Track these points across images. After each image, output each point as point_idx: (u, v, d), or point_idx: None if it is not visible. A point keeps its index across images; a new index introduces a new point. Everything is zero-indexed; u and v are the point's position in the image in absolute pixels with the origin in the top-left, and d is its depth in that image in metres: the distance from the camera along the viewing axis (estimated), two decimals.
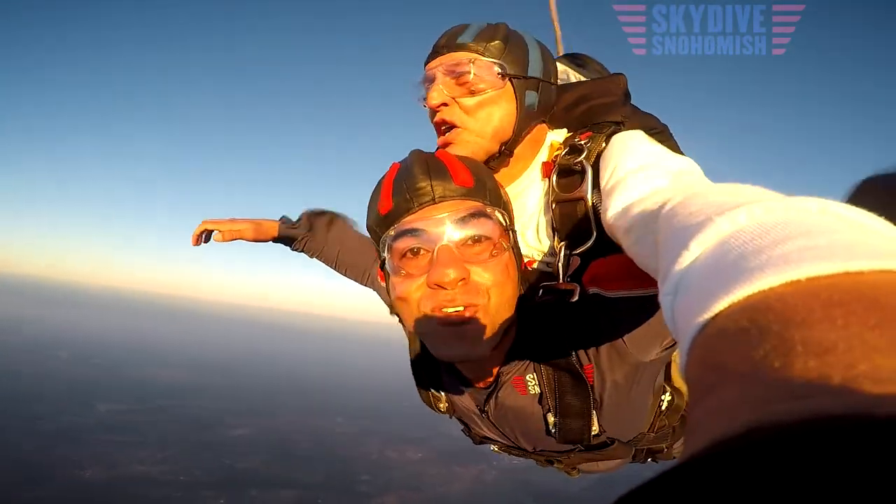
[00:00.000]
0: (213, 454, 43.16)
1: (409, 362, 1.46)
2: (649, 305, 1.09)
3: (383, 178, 1.20)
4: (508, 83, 1.26)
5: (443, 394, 1.48)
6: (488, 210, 1.11)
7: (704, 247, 0.48)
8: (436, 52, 1.30)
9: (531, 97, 1.28)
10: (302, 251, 1.98)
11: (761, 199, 0.50)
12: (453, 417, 1.57)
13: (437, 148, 1.31)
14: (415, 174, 1.11)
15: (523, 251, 1.33)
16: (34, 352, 76.52)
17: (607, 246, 1.14)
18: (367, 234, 1.28)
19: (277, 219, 1.93)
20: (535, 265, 1.36)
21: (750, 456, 0.19)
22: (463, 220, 1.08)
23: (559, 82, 1.44)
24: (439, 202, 1.09)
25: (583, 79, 1.56)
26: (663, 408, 1.49)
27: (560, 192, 1.25)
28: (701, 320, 0.38)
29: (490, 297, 1.09)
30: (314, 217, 1.97)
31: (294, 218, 1.99)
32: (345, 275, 1.97)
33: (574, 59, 1.69)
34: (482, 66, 1.24)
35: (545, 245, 1.34)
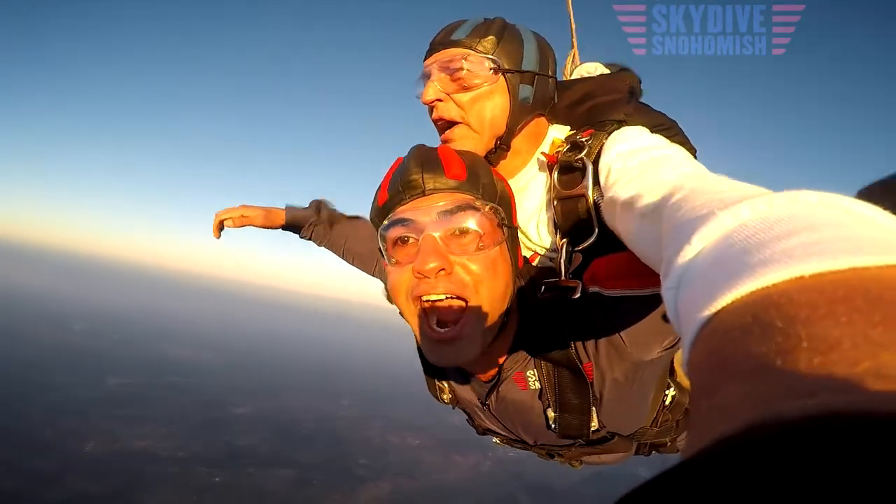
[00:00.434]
0: (214, 431, 43.79)
1: (415, 350, 1.43)
2: (649, 305, 1.10)
3: (386, 172, 1.25)
4: (501, 77, 1.27)
5: (447, 384, 1.51)
6: (477, 204, 1.13)
7: (707, 241, 0.48)
8: (432, 49, 1.32)
9: (525, 91, 1.30)
10: (309, 239, 2.03)
11: (765, 193, 0.49)
12: (456, 408, 1.60)
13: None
14: (409, 167, 1.16)
15: (527, 246, 1.38)
16: (49, 322, 78.19)
17: (609, 243, 1.16)
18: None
19: (283, 207, 1.99)
20: (537, 261, 1.39)
21: (752, 453, 0.19)
22: (450, 212, 1.11)
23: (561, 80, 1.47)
24: (429, 194, 1.13)
25: (589, 74, 1.57)
26: (667, 403, 1.50)
27: (561, 189, 1.26)
28: (704, 315, 0.37)
29: (476, 292, 1.11)
30: (322, 207, 2.02)
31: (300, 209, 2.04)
32: (352, 263, 2.01)
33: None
34: (475, 62, 1.26)
35: (547, 241, 1.36)
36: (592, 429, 1.29)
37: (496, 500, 40.56)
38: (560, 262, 1.25)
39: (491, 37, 1.27)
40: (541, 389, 1.29)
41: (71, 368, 53.28)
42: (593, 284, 1.18)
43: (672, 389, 1.51)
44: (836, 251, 0.33)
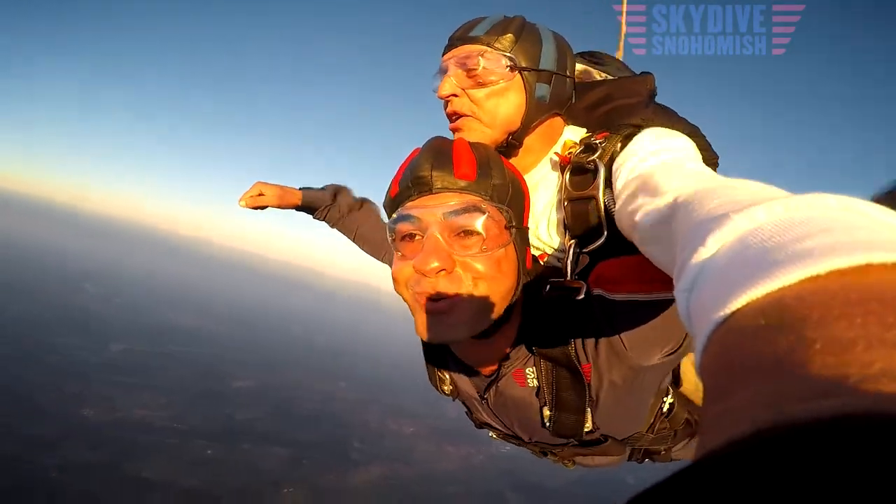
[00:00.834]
0: (213, 404, 44.17)
1: (416, 338, 1.37)
2: (653, 310, 1.11)
3: (402, 162, 1.24)
4: (518, 75, 1.27)
5: (448, 375, 1.51)
6: (484, 205, 1.13)
7: (722, 243, 0.47)
8: (450, 45, 1.32)
9: (542, 89, 1.30)
10: (323, 220, 2.03)
11: (781, 196, 0.49)
12: (456, 400, 1.61)
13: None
14: (420, 163, 1.16)
15: (535, 245, 1.38)
16: (60, 280, 78.97)
17: (618, 246, 1.16)
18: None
19: (299, 188, 1.99)
20: (545, 260, 1.39)
21: (764, 455, 0.19)
22: (455, 213, 1.11)
23: (581, 80, 1.48)
24: (437, 192, 1.14)
25: (608, 76, 1.55)
26: (664, 410, 1.51)
27: (572, 190, 1.26)
28: (717, 317, 0.37)
29: (476, 287, 1.12)
30: (338, 190, 2.03)
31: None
32: (362, 248, 2.02)
33: (592, 57, 1.66)
34: (491, 59, 1.26)
35: (555, 241, 1.36)
36: (586, 430, 1.29)
37: (486, 494, 40.78)
38: (566, 263, 1.26)
39: (509, 34, 1.27)
40: (538, 387, 1.29)
41: (77, 331, 53.85)
42: (598, 287, 1.18)
43: (670, 397, 1.53)
44: (853, 252, 0.33)
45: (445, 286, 1.11)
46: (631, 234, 1.03)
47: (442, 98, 1.33)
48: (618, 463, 1.64)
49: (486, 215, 1.12)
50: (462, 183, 1.14)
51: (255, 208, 1.95)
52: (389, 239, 1.21)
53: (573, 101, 1.39)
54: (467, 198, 1.13)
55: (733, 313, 0.36)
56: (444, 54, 1.35)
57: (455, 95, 1.30)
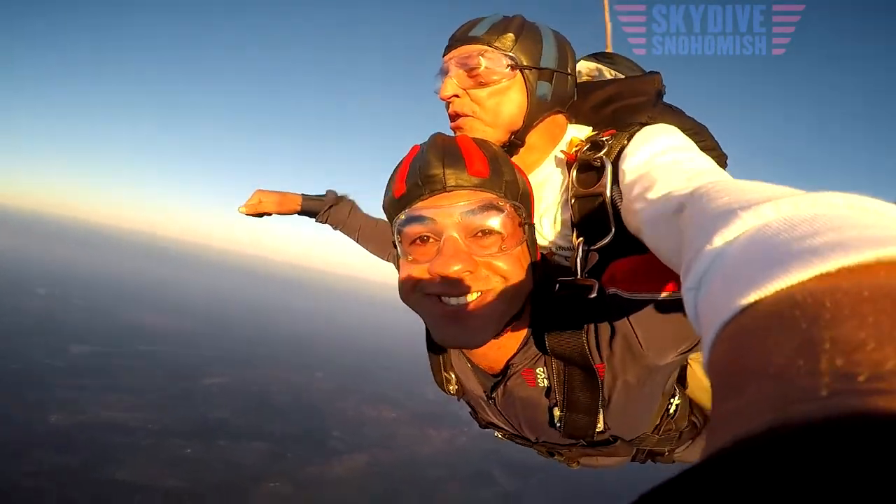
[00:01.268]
0: (186, 402, 42.76)
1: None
2: (669, 309, 1.09)
3: (402, 160, 1.20)
4: (519, 74, 1.27)
5: (454, 375, 1.49)
6: (501, 203, 1.10)
7: (730, 241, 0.47)
8: (451, 45, 1.33)
9: (543, 88, 1.30)
10: (326, 223, 2.02)
11: (788, 193, 0.49)
12: (461, 400, 1.59)
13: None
14: (429, 160, 1.12)
15: (540, 243, 1.35)
16: (11, 285, 75.24)
17: (626, 244, 1.17)
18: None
19: (299, 193, 1.99)
20: (553, 258, 1.38)
21: (772, 454, 0.19)
22: (473, 213, 1.08)
23: (591, 80, 1.52)
24: (451, 191, 1.10)
25: (619, 75, 1.55)
26: (671, 411, 1.51)
27: (579, 188, 1.26)
28: (725, 315, 0.37)
29: (500, 286, 1.10)
30: (342, 198, 2.03)
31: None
32: (367, 248, 1.99)
33: (605, 57, 1.66)
34: (492, 58, 1.26)
35: (563, 239, 1.36)
36: (597, 430, 1.27)
37: (472, 474, 40.83)
38: (576, 261, 1.24)
39: (509, 34, 1.27)
40: (549, 387, 1.27)
41: (33, 335, 51.28)
42: (612, 286, 1.16)
43: (677, 398, 1.53)
44: (862, 248, 0.32)
45: (467, 288, 1.07)
46: (638, 230, 1.05)
47: (444, 99, 1.31)
48: (621, 464, 1.66)
49: (503, 213, 1.10)
50: (476, 180, 1.10)
51: (255, 216, 1.98)
52: (397, 242, 1.16)
53: (575, 98, 1.39)
54: (483, 195, 1.10)
55: (741, 311, 0.36)
56: (444, 55, 1.34)
57: (457, 96, 1.29)
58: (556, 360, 1.22)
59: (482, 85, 1.27)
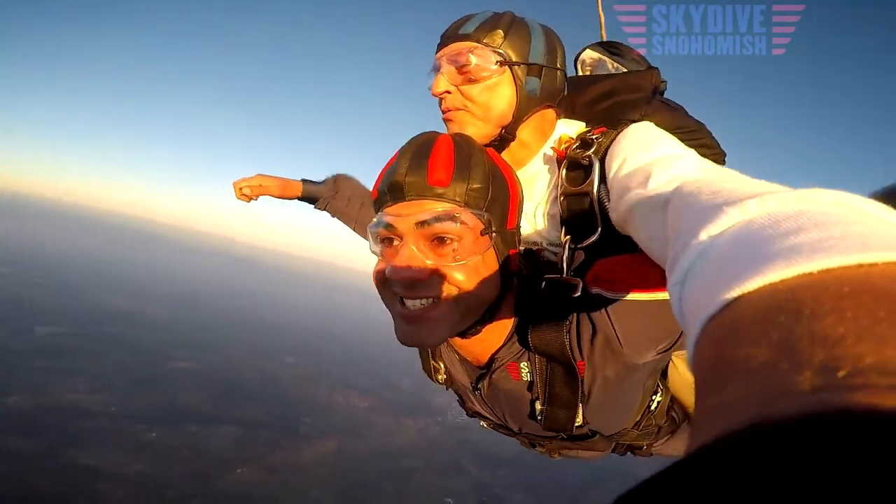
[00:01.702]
0: (153, 387, 42.14)
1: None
2: (650, 309, 1.12)
3: (388, 160, 1.23)
4: (508, 70, 1.29)
5: (442, 365, 1.53)
6: (458, 213, 1.11)
7: (714, 237, 0.47)
8: (442, 42, 1.35)
9: (532, 83, 1.32)
10: (324, 210, 2.04)
11: (774, 190, 0.49)
12: (450, 389, 1.63)
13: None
14: (396, 168, 1.15)
15: (531, 239, 1.40)
16: None
17: (613, 242, 1.20)
18: None
19: (300, 179, 2.03)
20: (542, 254, 1.40)
21: (753, 452, 0.19)
22: (426, 222, 1.10)
23: (593, 70, 1.58)
24: (410, 200, 1.13)
25: (621, 67, 1.57)
26: (652, 408, 1.54)
27: (568, 186, 1.28)
28: (709, 311, 0.37)
29: (452, 294, 1.12)
30: (340, 180, 2.05)
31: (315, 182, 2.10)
32: (361, 234, 1.96)
33: (610, 47, 1.66)
34: (481, 55, 1.28)
35: (550, 236, 1.38)
36: (577, 424, 1.30)
37: (443, 464, 41.11)
38: (562, 259, 1.26)
39: (499, 30, 1.29)
40: (532, 381, 1.31)
41: None
42: (596, 285, 1.18)
43: (659, 395, 1.55)
44: (844, 248, 0.33)
45: (420, 294, 1.11)
46: (624, 227, 1.06)
47: (436, 95, 1.34)
48: (602, 457, 1.68)
49: (459, 223, 1.10)
50: (437, 189, 1.11)
51: (253, 199, 2.03)
52: (370, 239, 1.21)
53: (565, 92, 1.40)
54: (439, 206, 1.11)
55: (725, 307, 0.36)
56: (436, 52, 1.36)
57: (448, 92, 1.31)
58: (538, 356, 1.25)
59: (472, 81, 1.29)
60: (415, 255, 1.10)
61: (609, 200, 1.18)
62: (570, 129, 1.40)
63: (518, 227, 1.26)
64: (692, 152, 1.13)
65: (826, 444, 0.18)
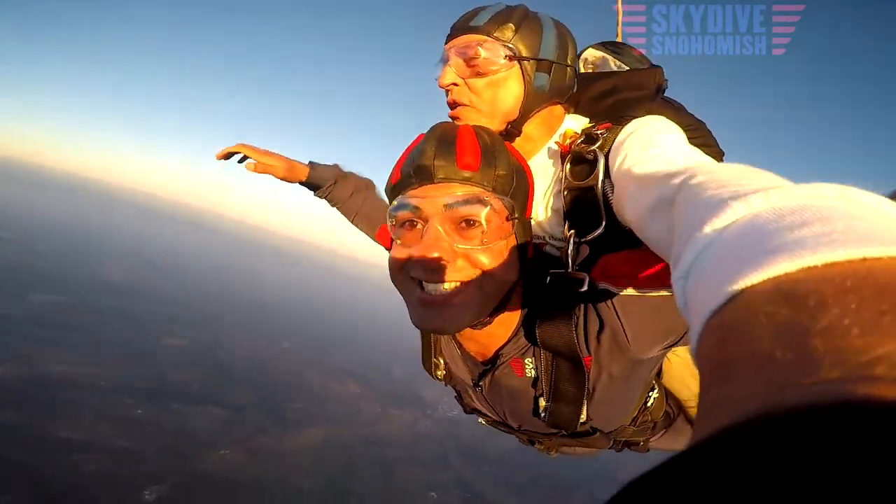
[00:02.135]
0: (143, 361, 41.82)
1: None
2: (658, 304, 1.14)
3: (406, 148, 1.24)
4: (517, 64, 1.29)
5: (443, 361, 1.52)
6: (486, 197, 1.12)
7: (719, 231, 0.48)
8: (452, 34, 1.34)
9: (541, 79, 1.31)
10: (325, 199, 1.99)
11: (778, 184, 0.49)
12: (448, 385, 1.62)
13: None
14: (423, 150, 1.16)
15: (535, 233, 1.38)
16: None
17: (617, 237, 1.19)
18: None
19: (307, 163, 1.96)
20: (545, 248, 1.40)
21: (758, 443, 0.19)
22: (456, 205, 1.11)
23: (596, 69, 1.57)
24: (438, 183, 1.14)
25: (623, 66, 1.57)
26: (649, 404, 1.55)
27: (572, 180, 1.27)
28: (713, 305, 0.37)
29: (477, 278, 1.13)
30: (346, 175, 2.00)
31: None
32: (360, 228, 1.98)
33: (612, 46, 1.67)
34: (490, 49, 1.27)
35: (555, 230, 1.37)
36: (580, 421, 1.30)
37: (429, 458, 40.87)
38: (567, 253, 1.25)
39: (509, 24, 1.28)
40: (536, 377, 1.30)
41: None
42: (603, 280, 1.19)
43: (655, 391, 1.56)
44: (848, 242, 0.33)
45: (444, 278, 1.10)
46: (629, 221, 1.05)
47: (442, 87, 1.33)
48: (598, 453, 1.69)
49: (488, 207, 1.12)
50: (465, 173, 1.13)
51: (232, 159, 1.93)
52: (389, 225, 1.20)
53: (575, 89, 1.39)
54: (470, 189, 1.13)
55: (729, 300, 0.36)
56: (445, 43, 1.34)
57: (455, 84, 1.30)
58: (545, 351, 1.24)
59: (480, 75, 1.28)
60: (441, 236, 1.10)
61: (613, 195, 1.18)
62: (576, 124, 1.39)
63: (530, 217, 1.26)
64: (694, 147, 1.13)
65: (836, 435, 0.18)
